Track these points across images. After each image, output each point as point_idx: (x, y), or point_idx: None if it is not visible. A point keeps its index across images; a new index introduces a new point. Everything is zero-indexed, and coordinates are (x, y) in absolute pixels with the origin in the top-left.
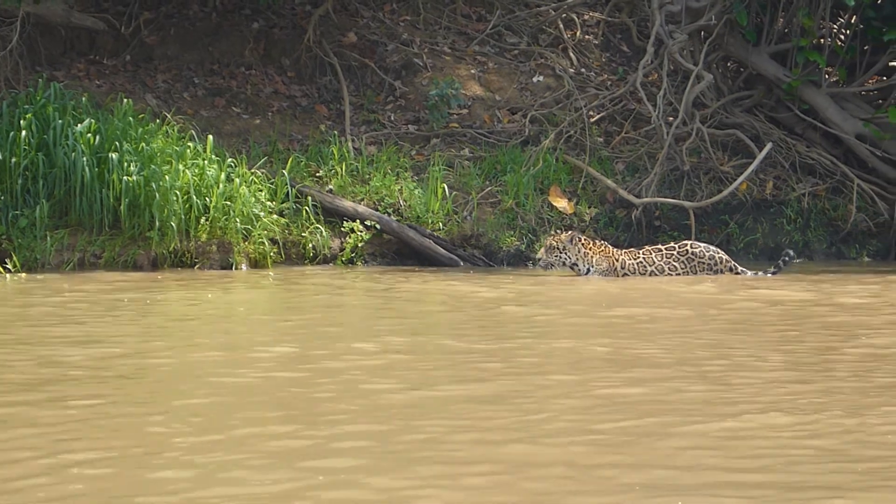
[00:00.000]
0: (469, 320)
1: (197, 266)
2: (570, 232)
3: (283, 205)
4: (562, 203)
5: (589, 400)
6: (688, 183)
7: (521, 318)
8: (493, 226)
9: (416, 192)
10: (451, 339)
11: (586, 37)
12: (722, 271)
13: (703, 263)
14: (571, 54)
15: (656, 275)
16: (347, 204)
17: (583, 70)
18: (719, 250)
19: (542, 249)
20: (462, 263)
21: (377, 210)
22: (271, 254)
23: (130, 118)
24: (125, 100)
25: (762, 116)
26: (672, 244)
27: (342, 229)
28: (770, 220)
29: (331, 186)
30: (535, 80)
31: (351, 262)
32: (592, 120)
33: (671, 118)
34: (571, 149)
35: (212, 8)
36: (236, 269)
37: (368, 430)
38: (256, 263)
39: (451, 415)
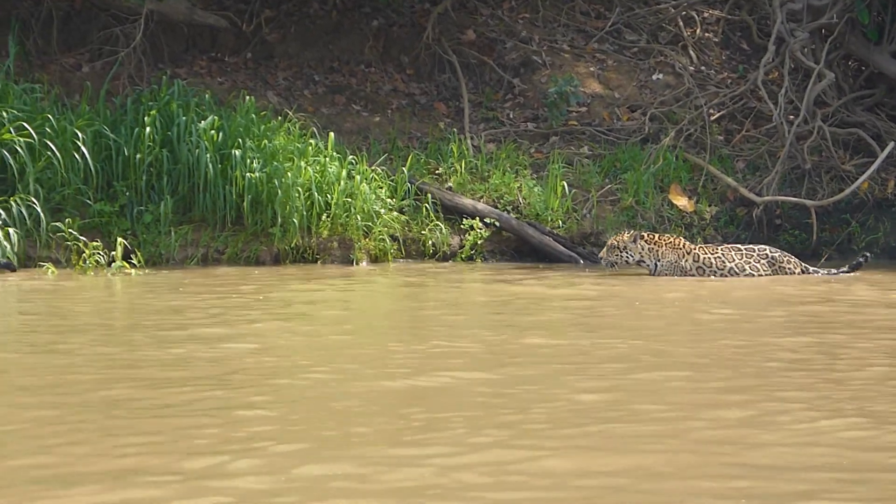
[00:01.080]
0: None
1: (318, 262)
2: (632, 232)
3: (403, 202)
4: (682, 201)
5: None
6: (809, 181)
7: (718, 320)
8: (613, 224)
9: (535, 189)
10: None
11: (706, 34)
12: (793, 272)
13: (778, 265)
14: (691, 52)
15: (735, 274)
16: (467, 201)
17: (702, 68)
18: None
19: (605, 249)
20: (582, 261)
21: (496, 207)
22: (391, 250)
23: (253, 115)
24: (247, 97)
25: (884, 115)
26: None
27: (461, 226)
28: (892, 219)
29: (450, 184)
30: (654, 77)
31: (470, 258)
32: (713, 118)
33: (792, 116)
34: (691, 147)
35: (332, 6)
36: (357, 265)
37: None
38: (377, 259)
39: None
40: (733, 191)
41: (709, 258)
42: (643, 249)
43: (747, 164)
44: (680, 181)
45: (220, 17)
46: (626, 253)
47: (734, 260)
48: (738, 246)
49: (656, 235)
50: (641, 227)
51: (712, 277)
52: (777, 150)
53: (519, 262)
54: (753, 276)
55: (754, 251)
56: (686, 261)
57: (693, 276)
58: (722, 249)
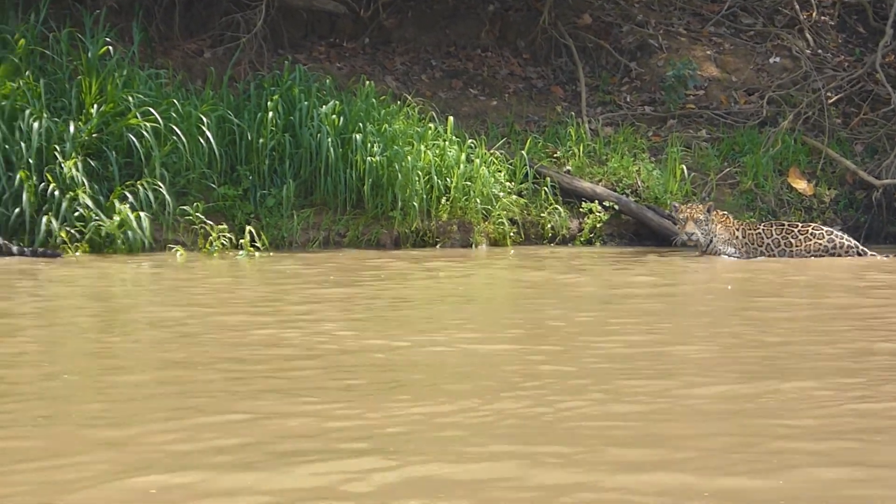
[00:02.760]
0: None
1: (438, 245)
2: (704, 202)
3: (522, 185)
4: (801, 184)
5: None
6: None
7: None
8: (732, 207)
9: (654, 172)
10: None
11: (822, 17)
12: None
13: (823, 245)
14: (807, 35)
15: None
16: (586, 185)
17: (819, 51)
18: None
19: (690, 224)
20: None
21: (615, 191)
22: (510, 234)
23: (373, 100)
24: (367, 82)
25: None
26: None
27: (580, 210)
28: None
29: (568, 167)
30: (771, 61)
31: (589, 242)
32: (830, 101)
33: None
34: (809, 130)
35: None
36: (476, 247)
37: None
38: (496, 243)
39: None
40: (852, 174)
41: (753, 235)
42: (711, 223)
43: (865, 148)
44: (798, 164)
45: (339, 3)
46: (707, 226)
47: (771, 236)
48: (782, 222)
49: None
50: (761, 211)
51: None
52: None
53: (638, 245)
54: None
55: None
56: (736, 237)
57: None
58: (763, 226)
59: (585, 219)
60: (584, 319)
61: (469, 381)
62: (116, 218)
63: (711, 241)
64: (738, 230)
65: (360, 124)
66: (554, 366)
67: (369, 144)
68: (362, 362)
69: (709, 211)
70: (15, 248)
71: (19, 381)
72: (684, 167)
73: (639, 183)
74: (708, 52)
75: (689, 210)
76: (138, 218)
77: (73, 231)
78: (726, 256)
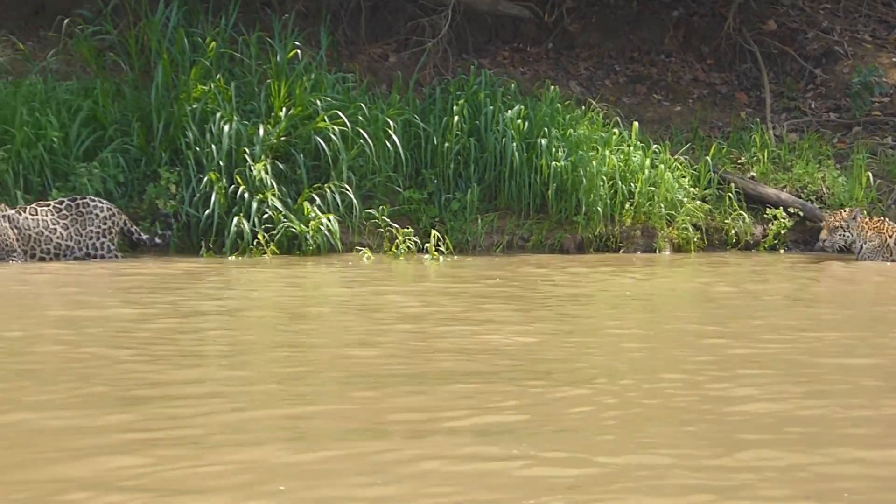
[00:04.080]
0: None
1: (621, 250)
2: (851, 208)
3: (706, 191)
4: None
5: None
6: None
7: None
8: None
9: (839, 179)
10: None
11: None
12: None
13: None
14: None
15: None
16: (770, 191)
17: None
18: None
19: (825, 231)
20: None
21: (800, 197)
22: (694, 239)
23: (558, 104)
24: (551, 87)
25: None
26: None
27: (764, 216)
28: None
29: (753, 173)
30: None
31: (773, 248)
32: None
33: None
34: None
35: None
36: (659, 253)
37: None
38: (679, 248)
39: None
40: None
41: None
42: (859, 229)
43: None
44: None
45: (524, 8)
46: (848, 232)
47: None
48: None
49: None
50: None
51: None
52: None
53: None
54: None
55: None
56: (889, 244)
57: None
58: None
59: (770, 225)
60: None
61: None
62: (311, 222)
63: (861, 248)
64: (891, 237)
65: (545, 129)
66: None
67: (554, 149)
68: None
69: (854, 218)
70: (157, 239)
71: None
72: (870, 174)
73: (824, 189)
74: (894, 59)
75: (829, 217)
76: (327, 221)
77: (259, 232)
78: (871, 262)
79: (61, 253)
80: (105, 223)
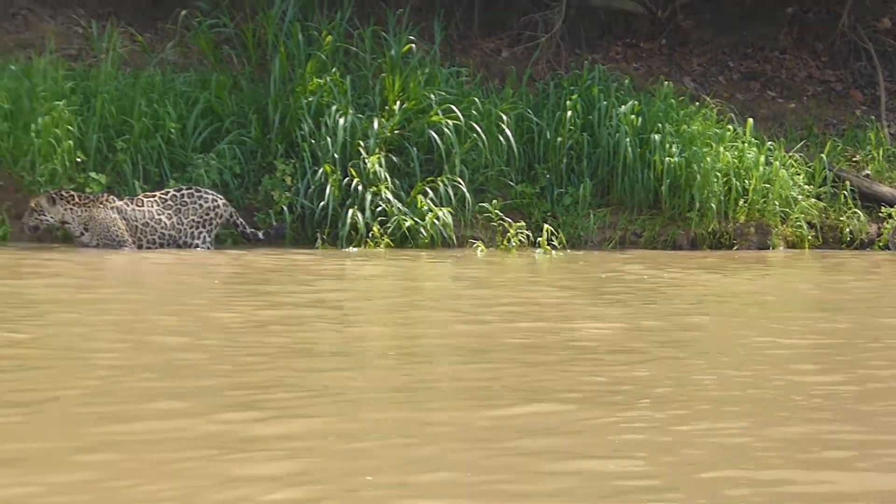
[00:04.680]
0: None
1: (735, 247)
2: None
3: (821, 189)
4: None
5: None
6: None
7: None
8: None
9: None
10: None
11: None
12: None
13: None
14: None
15: None
16: (885, 189)
17: None
18: None
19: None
20: None
21: None
22: (808, 237)
23: (671, 100)
24: (665, 82)
25: None
26: None
27: (879, 214)
28: None
29: (867, 171)
30: None
31: (886, 247)
32: None
33: None
34: None
35: None
36: (773, 250)
37: None
38: (793, 246)
39: None
40: None
41: None
42: None
43: None
44: None
45: (637, 4)
46: None
47: None
48: None
49: None
50: None
51: None
52: None
53: None
54: None
55: None
56: None
57: None
58: None
59: (884, 223)
60: None
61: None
62: (426, 215)
63: None
64: None
65: (659, 125)
66: None
67: (667, 145)
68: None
69: None
70: (261, 234)
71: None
72: None
73: None
74: None
75: None
76: (443, 214)
77: (372, 224)
78: None
79: (165, 242)
80: (207, 214)
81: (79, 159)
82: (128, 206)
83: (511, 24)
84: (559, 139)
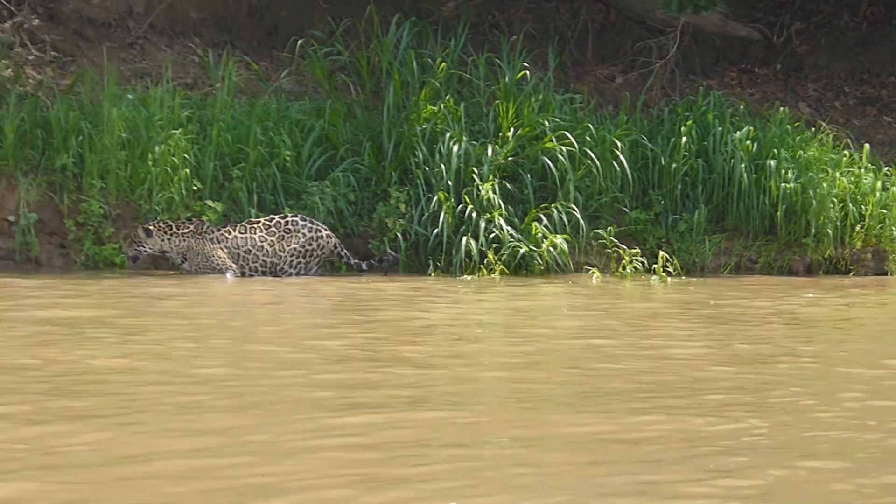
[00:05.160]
0: None
1: (851, 273)
2: None
3: None
4: None
5: None
6: None
7: None
8: None
9: None
10: None
11: None
12: None
13: None
14: None
15: None
16: None
17: None
18: None
19: None
20: None
21: None
22: None
23: (787, 126)
24: (780, 108)
25: None
26: None
27: None
28: None
29: None
30: None
31: None
32: None
33: None
34: None
35: (862, 17)
36: (891, 275)
37: None
38: None
39: None
40: None
41: None
42: None
43: None
44: None
45: (752, 30)
46: None
47: None
48: None
49: None
50: None
51: None
52: None
53: None
54: None
55: None
56: None
57: None
58: None
59: None
60: None
61: None
62: (542, 242)
63: None
64: None
65: (774, 150)
66: None
67: (783, 170)
68: None
69: None
70: (364, 265)
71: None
72: None
73: None
74: None
75: None
76: (559, 241)
77: (486, 252)
78: None
79: (268, 270)
80: (309, 244)
81: (195, 187)
82: (230, 233)
83: (625, 50)
84: (674, 165)
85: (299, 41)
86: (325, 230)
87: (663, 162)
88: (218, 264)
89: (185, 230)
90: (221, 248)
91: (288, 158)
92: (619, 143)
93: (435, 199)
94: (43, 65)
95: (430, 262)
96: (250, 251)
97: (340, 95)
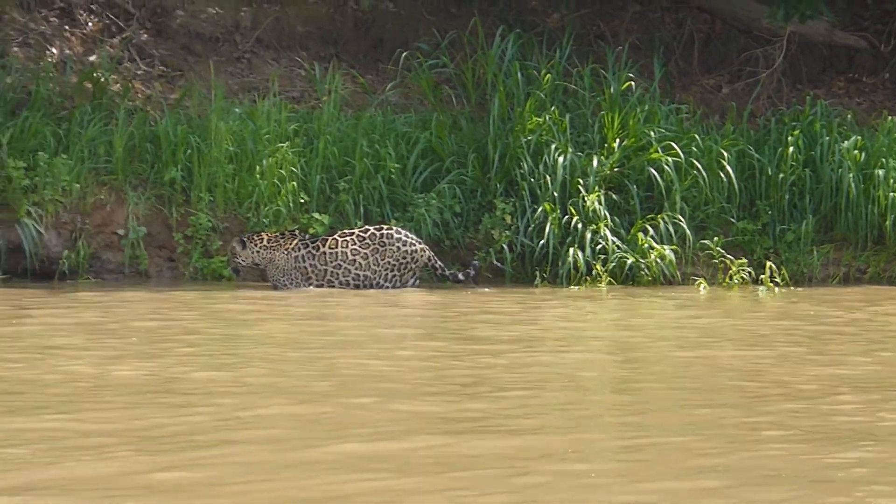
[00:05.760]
0: None
1: None
2: None
3: None
4: None
5: None
6: None
7: None
8: None
9: None
10: None
11: None
12: None
13: None
14: None
15: None
16: None
17: None
18: None
19: None
20: None
21: None
22: None
23: (895, 135)
24: (889, 117)
25: None
26: None
27: None
28: None
29: None
30: None
31: None
32: None
33: None
34: None
35: None
36: None
37: None
38: None
39: None
40: None
41: None
42: None
43: None
44: None
45: (859, 38)
46: None
47: None
48: None
49: None
50: None
51: None
52: None
53: None
54: None
55: None
56: None
57: None
58: None
59: None
60: None
61: None
62: (651, 253)
63: None
64: None
65: (883, 160)
66: None
67: (892, 180)
68: None
69: None
70: (461, 275)
71: None
72: None
73: None
74: None
75: None
76: (667, 252)
77: (592, 262)
78: None
79: (360, 283)
80: (404, 258)
81: (302, 200)
82: (320, 247)
83: (731, 60)
84: (781, 175)
85: (404, 54)
86: (420, 243)
87: (770, 172)
88: (283, 279)
89: (273, 244)
90: (305, 264)
91: (394, 171)
92: (725, 154)
93: (540, 210)
94: (151, 79)
95: (537, 273)
96: (340, 266)
97: (445, 107)
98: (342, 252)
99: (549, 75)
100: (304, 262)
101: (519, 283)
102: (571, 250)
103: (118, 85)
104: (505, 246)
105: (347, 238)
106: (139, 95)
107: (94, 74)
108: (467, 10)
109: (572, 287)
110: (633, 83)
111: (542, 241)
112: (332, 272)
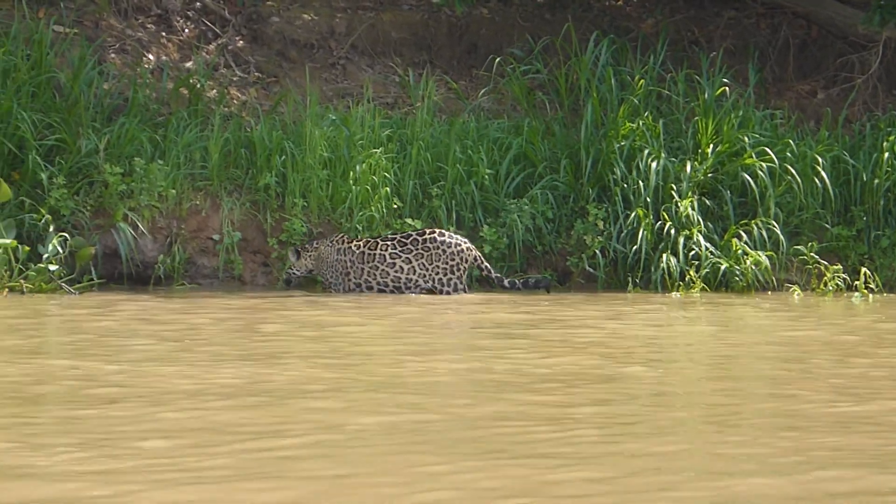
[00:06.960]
0: None
1: None
2: None
3: None
4: None
5: None
6: None
7: None
8: None
9: None
10: None
11: None
12: None
13: None
14: None
15: None
16: None
17: None
18: None
19: None
20: None
21: None
22: None
23: None
24: None
25: None
26: None
27: None
28: None
29: None
30: None
31: None
32: None
33: None
34: None
35: None
36: None
37: None
38: None
39: None
40: None
41: None
42: None
43: None
44: None
45: None
46: None
47: None
48: None
49: None
50: None
51: None
52: None
53: None
54: None
55: None
56: None
57: None
58: None
59: None
60: None
61: None
62: (747, 258)
63: None
64: None
65: None
66: None
67: None
68: None
69: None
70: (507, 282)
71: None
72: None
73: None
74: None
75: None
76: (762, 258)
77: (685, 269)
78: None
79: (401, 286)
80: (453, 259)
81: (395, 206)
82: (360, 248)
83: (826, 65)
84: (876, 181)
85: (498, 59)
86: (466, 242)
87: (865, 178)
88: (333, 279)
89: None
90: (341, 262)
91: (486, 176)
92: (820, 159)
93: (633, 215)
94: (247, 85)
95: (630, 278)
96: (377, 267)
97: (538, 113)
98: (380, 255)
99: (642, 81)
100: (343, 256)
101: (611, 289)
102: (664, 256)
103: (214, 91)
104: (598, 251)
105: (387, 242)
106: (234, 101)
107: (190, 81)
108: (561, 17)
109: (667, 293)
110: (727, 88)
111: (634, 247)
112: (369, 272)
